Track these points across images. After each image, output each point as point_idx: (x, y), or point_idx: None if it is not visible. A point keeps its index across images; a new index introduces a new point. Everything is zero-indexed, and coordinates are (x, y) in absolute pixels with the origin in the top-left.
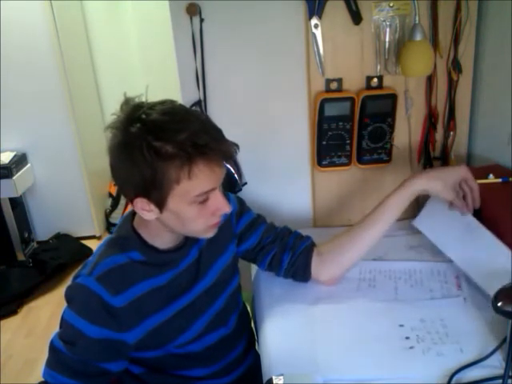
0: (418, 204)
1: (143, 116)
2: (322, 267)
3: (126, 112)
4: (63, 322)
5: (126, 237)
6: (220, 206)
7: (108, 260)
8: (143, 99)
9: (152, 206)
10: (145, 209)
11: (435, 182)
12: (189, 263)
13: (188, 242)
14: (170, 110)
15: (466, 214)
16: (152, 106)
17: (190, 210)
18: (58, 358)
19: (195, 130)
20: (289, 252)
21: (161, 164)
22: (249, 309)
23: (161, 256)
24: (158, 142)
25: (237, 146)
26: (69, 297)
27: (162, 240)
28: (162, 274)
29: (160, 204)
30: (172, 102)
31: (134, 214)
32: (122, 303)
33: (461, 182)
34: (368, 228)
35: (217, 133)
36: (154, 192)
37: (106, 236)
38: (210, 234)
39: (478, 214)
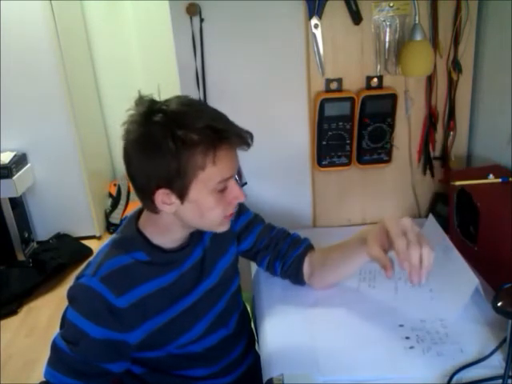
0: (418, 205)
1: (164, 107)
2: (314, 279)
3: (145, 105)
4: (66, 322)
5: (130, 237)
6: (236, 194)
7: (112, 261)
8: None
9: (173, 198)
10: (165, 202)
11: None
12: (193, 263)
13: (192, 241)
14: (187, 101)
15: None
16: (168, 100)
17: (210, 198)
18: (59, 358)
19: (212, 117)
20: (280, 261)
21: (186, 152)
22: (249, 309)
23: (166, 255)
24: (181, 130)
25: (250, 133)
26: (72, 297)
27: (168, 238)
28: (166, 274)
29: (182, 194)
30: (186, 96)
31: (138, 215)
32: (125, 304)
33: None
34: (347, 262)
35: (229, 120)
36: (177, 181)
37: (109, 236)
38: (224, 228)
39: (478, 215)
